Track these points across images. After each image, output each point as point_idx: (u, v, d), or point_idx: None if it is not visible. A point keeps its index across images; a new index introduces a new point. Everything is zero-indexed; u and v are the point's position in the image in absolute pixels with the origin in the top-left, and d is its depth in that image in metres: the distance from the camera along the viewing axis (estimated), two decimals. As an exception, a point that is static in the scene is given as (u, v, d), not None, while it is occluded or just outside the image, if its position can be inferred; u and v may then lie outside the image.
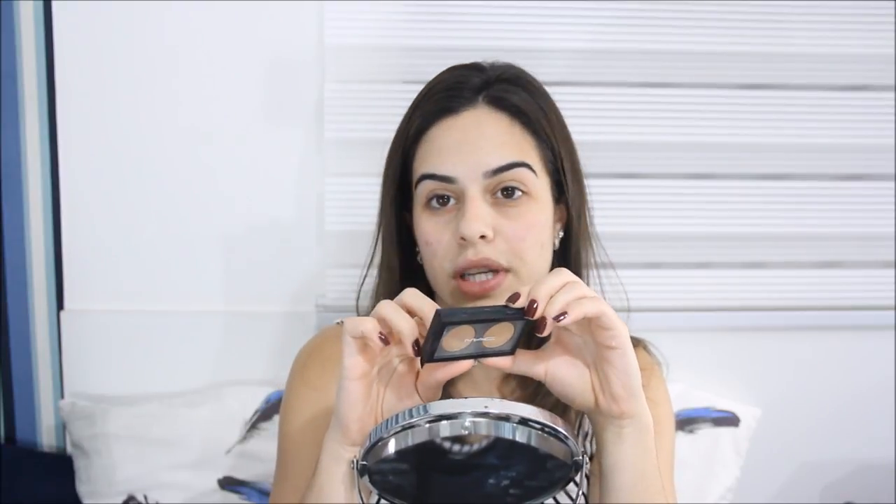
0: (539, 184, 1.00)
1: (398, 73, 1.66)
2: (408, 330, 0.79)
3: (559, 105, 1.09)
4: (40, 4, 1.61)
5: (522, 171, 0.99)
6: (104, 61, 1.63)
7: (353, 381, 0.82)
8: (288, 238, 1.71)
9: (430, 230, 1.01)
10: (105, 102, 1.64)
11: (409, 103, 1.08)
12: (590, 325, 0.82)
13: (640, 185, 1.74)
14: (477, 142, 0.98)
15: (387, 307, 0.80)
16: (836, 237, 1.79)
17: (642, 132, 1.72)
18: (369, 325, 0.79)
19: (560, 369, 0.85)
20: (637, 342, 1.16)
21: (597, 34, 1.68)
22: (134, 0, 1.61)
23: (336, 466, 0.84)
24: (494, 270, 0.98)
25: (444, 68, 1.09)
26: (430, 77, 1.09)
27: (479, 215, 0.96)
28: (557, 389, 0.86)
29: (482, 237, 0.97)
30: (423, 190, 1.01)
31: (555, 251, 1.06)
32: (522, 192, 0.99)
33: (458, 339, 0.79)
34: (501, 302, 0.82)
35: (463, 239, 0.97)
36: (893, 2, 1.70)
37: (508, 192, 0.99)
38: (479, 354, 0.81)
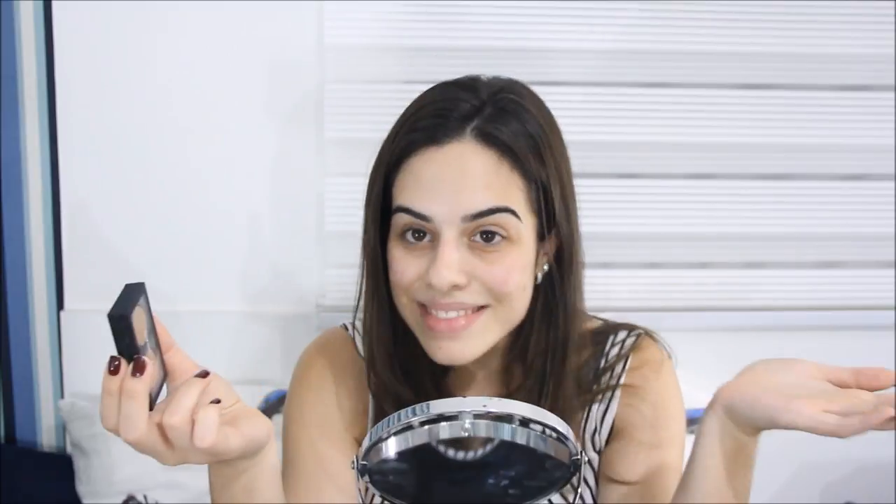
0: (521, 227, 0.93)
1: (398, 73, 1.66)
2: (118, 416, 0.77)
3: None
4: (40, 4, 1.61)
5: (504, 216, 0.91)
6: (104, 61, 1.63)
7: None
8: (288, 238, 1.71)
9: (398, 260, 0.94)
10: (105, 102, 1.64)
11: (409, 104, 1.03)
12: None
13: (640, 185, 1.74)
14: (459, 181, 0.90)
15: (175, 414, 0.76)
16: (836, 237, 1.79)
17: (642, 132, 1.72)
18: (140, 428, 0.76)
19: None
20: (647, 333, 1.11)
21: (597, 34, 1.68)
22: (134, 0, 1.61)
23: (233, 482, 0.87)
24: (468, 309, 0.93)
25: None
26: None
27: (450, 263, 0.90)
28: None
29: (455, 286, 0.91)
30: (398, 221, 0.94)
31: (538, 284, 0.98)
32: (502, 236, 0.92)
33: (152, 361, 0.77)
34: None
35: (430, 285, 0.91)
36: (893, 2, 1.70)
37: (488, 236, 0.91)
38: (153, 333, 0.80)
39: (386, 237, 0.98)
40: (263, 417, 0.84)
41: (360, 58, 1.65)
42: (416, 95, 1.03)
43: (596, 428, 1.08)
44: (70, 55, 1.63)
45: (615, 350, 1.08)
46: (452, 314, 0.93)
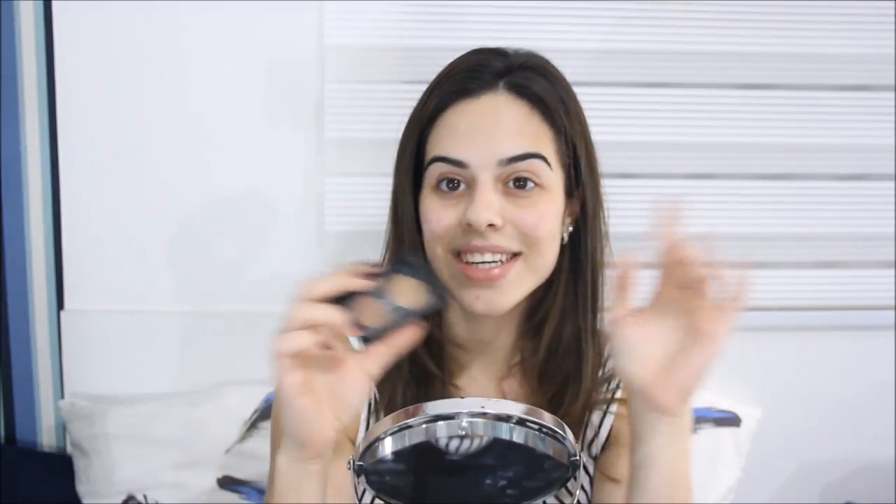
0: (552, 176, 0.98)
1: (398, 73, 1.66)
2: (340, 318, 0.77)
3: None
4: (40, 4, 1.61)
5: (537, 162, 0.96)
6: (104, 61, 1.63)
7: (299, 397, 0.78)
8: (288, 238, 1.71)
9: (433, 210, 0.98)
10: (105, 102, 1.64)
11: (409, 103, 1.07)
12: (695, 311, 0.81)
13: (640, 185, 1.73)
14: (493, 128, 0.96)
15: (307, 309, 0.78)
16: (836, 237, 1.79)
17: (642, 132, 1.71)
18: (305, 339, 0.77)
19: (640, 339, 0.83)
20: None
21: (597, 34, 1.68)
22: (134, 0, 1.61)
23: (303, 482, 0.83)
24: (503, 254, 0.96)
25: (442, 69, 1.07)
26: (430, 77, 1.06)
27: (489, 203, 0.94)
28: (621, 350, 0.84)
29: (490, 225, 0.94)
30: (433, 172, 0.98)
31: (564, 245, 1.03)
32: (535, 183, 0.97)
33: (370, 314, 0.77)
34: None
35: (469, 225, 0.94)
36: (893, 2, 1.70)
37: (520, 182, 0.96)
38: (412, 313, 0.78)
39: (416, 195, 1.02)
40: (329, 442, 0.82)
41: (360, 58, 1.65)
42: (415, 95, 1.06)
43: (595, 434, 1.08)
44: (70, 55, 1.63)
45: (612, 362, 1.09)
46: (488, 257, 0.96)
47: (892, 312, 1.79)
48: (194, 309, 1.71)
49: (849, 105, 1.74)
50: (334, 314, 0.77)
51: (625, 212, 1.73)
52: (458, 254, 0.98)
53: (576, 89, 1.72)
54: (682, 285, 0.82)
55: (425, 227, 1.00)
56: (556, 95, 1.00)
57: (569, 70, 1.70)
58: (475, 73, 0.99)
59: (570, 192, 1.03)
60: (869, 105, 1.74)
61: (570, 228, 1.05)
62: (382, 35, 1.65)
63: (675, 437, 0.85)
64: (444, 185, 0.98)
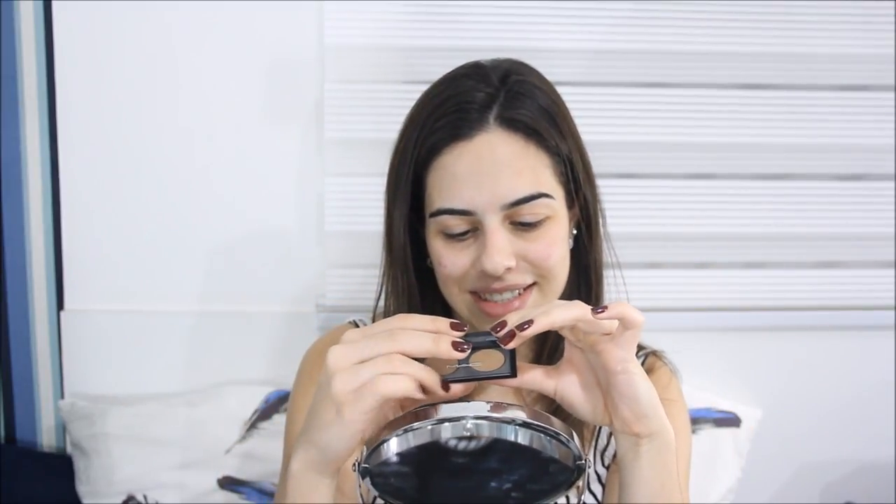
0: (556, 204, 0.98)
1: (398, 73, 1.66)
2: (434, 381, 0.77)
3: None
4: (40, 4, 1.61)
5: (540, 201, 0.96)
6: (104, 61, 1.63)
7: (363, 431, 0.78)
8: (288, 238, 1.71)
9: (445, 255, 0.98)
10: (105, 102, 1.64)
11: (409, 103, 1.05)
12: (595, 346, 0.80)
13: (640, 185, 1.74)
14: (493, 170, 0.94)
15: (409, 366, 0.76)
16: (836, 237, 1.79)
17: (642, 132, 1.72)
18: (408, 385, 0.75)
19: (570, 389, 0.83)
20: (653, 353, 1.14)
21: (597, 34, 1.68)
22: (134, 0, 1.61)
23: (317, 490, 0.83)
24: (519, 288, 0.98)
25: (443, 69, 1.05)
26: (430, 77, 1.05)
27: (502, 248, 0.94)
28: (568, 408, 0.85)
29: (507, 269, 0.95)
30: (440, 221, 0.97)
31: (570, 251, 1.04)
32: (542, 217, 0.97)
33: (442, 363, 0.78)
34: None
35: (484, 270, 0.95)
36: (893, 2, 1.70)
37: (527, 218, 0.96)
38: (479, 377, 0.79)
39: (413, 229, 1.03)
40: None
41: (360, 58, 1.65)
42: (415, 95, 1.04)
43: (607, 444, 1.08)
44: (70, 55, 1.63)
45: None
46: (507, 296, 0.98)
47: (892, 312, 1.79)
48: (194, 309, 1.71)
49: (849, 105, 1.74)
50: (432, 378, 0.76)
51: (625, 212, 1.74)
52: (474, 292, 0.99)
53: (576, 89, 1.74)
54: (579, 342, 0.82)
55: (438, 270, 1.00)
56: (545, 118, 0.98)
57: (569, 70, 1.71)
58: (463, 113, 0.96)
59: (570, 204, 1.03)
60: (869, 105, 1.75)
61: (574, 232, 1.06)
62: (382, 35, 1.65)
63: (657, 456, 0.84)
64: (451, 232, 0.98)
